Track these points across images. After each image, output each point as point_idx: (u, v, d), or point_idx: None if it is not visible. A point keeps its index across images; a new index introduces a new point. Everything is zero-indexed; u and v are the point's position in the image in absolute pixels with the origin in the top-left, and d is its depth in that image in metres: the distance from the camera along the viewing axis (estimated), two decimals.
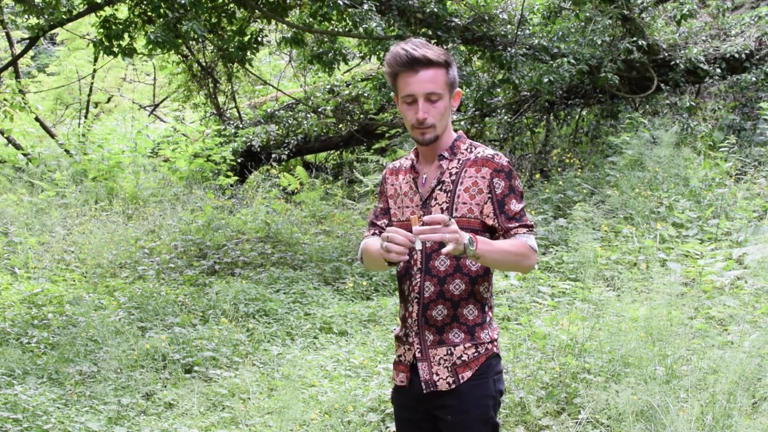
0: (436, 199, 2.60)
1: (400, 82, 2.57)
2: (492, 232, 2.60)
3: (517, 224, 2.55)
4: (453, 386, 2.57)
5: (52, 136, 14.02)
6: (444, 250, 2.35)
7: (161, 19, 8.52)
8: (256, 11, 9.33)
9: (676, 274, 5.98)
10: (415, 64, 2.52)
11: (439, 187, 2.61)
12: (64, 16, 9.08)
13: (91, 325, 6.06)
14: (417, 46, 2.53)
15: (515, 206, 2.56)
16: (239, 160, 12.26)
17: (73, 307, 6.65)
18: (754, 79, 9.72)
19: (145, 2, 8.84)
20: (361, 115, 12.75)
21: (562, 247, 7.18)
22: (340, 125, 12.86)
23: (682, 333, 4.81)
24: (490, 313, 2.66)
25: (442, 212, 2.56)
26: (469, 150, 2.63)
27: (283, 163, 13.45)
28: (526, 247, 2.53)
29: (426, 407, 2.65)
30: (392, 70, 2.57)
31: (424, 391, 2.60)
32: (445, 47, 8.88)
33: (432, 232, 2.34)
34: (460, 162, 2.61)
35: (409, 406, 2.71)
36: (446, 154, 2.62)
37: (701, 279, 5.91)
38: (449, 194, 2.59)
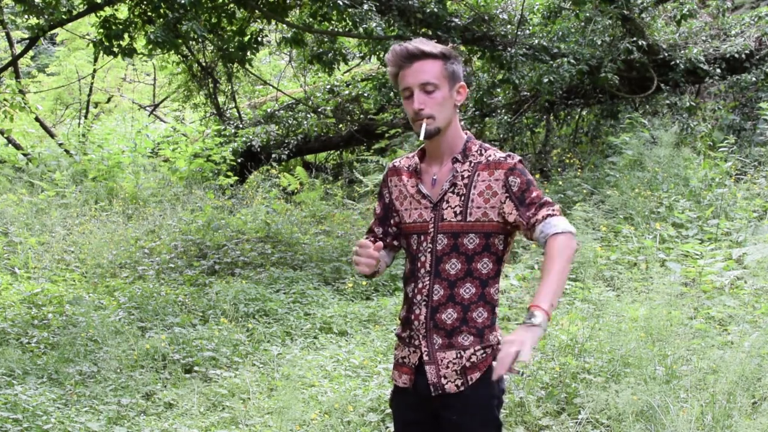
0: (448, 202, 2.56)
1: (399, 78, 2.57)
2: (513, 230, 2.57)
3: (537, 209, 2.49)
4: (461, 388, 2.56)
5: (52, 136, 14.02)
6: (526, 358, 2.30)
7: (161, 19, 8.53)
8: (256, 11, 9.33)
9: (676, 274, 5.98)
10: (410, 57, 2.53)
11: (451, 189, 2.57)
12: (64, 16, 9.09)
13: (91, 325, 6.05)
14: (414, 42, 2.55)
15: (534, 194, 2.52)
16: (239, 160, 12.26)
17: (73, 307, 6.64)
18: (754, 79, 9.73)
19: (145, 2, 8.84)
20: (361, 115, 12.76)
21: None
22: (340, 125, 12.86)
23: (682, 333, 4.81)
24: (496, 314, 2.65)
25: (455, 216, 2.54)
26: (479, 152, 2.59)
27: (283, 163, 13.46)
28: (568, 246, 2.45)
29: (430, 407, 2.63)
30: (391, 67, 2.58)
31: (432, 394, 2.58)
32: None
33: (505, 368, 2.32)
34: (472, 165, 2.58)
35: (412, 406, 2.67)
36: (459, 157, 2.58)
37: (701, 279, 5.91)
38: (462, 198, 2.55)
